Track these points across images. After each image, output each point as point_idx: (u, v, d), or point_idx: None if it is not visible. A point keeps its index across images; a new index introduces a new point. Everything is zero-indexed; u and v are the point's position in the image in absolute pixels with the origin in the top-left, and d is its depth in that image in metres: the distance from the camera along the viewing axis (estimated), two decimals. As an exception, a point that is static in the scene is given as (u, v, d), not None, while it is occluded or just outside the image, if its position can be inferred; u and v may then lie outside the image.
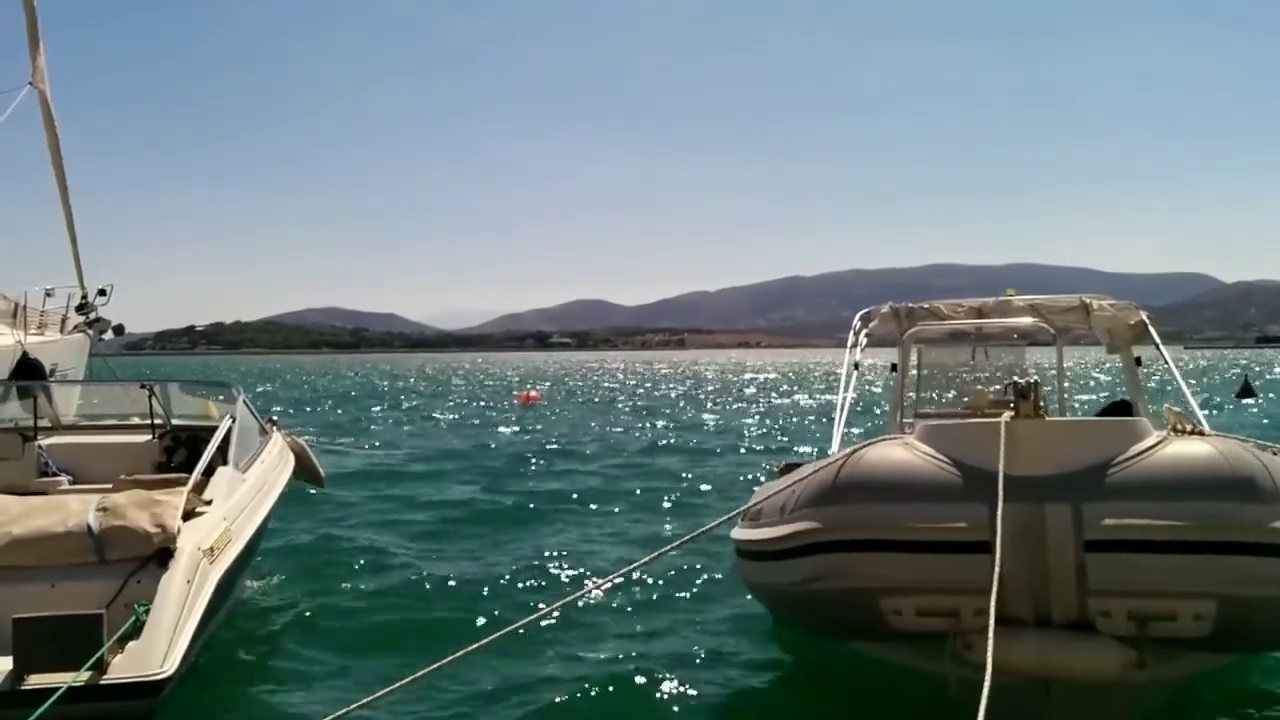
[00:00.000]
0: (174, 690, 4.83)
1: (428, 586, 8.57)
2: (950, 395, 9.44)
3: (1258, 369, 67.27)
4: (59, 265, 17.66)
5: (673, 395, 46.25)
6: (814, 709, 5.89)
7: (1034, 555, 4.33)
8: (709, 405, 37.86)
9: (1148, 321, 7.46)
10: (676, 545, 5.44)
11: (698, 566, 8.72)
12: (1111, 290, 8.67)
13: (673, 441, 22.33)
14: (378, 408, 37.22)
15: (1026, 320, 7.87)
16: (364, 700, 4.23)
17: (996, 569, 4.08)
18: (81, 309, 17.06)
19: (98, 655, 4.63)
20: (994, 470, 4.35)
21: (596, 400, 42.67)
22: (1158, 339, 7.32)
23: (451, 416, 31.98)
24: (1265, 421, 24.86)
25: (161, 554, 5.42)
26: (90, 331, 17.09)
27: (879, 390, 24.70)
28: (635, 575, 5.47)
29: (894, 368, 8.51)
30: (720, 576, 8.37)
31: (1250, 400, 35.38)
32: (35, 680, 4.54)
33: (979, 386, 8.90)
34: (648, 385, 59.68)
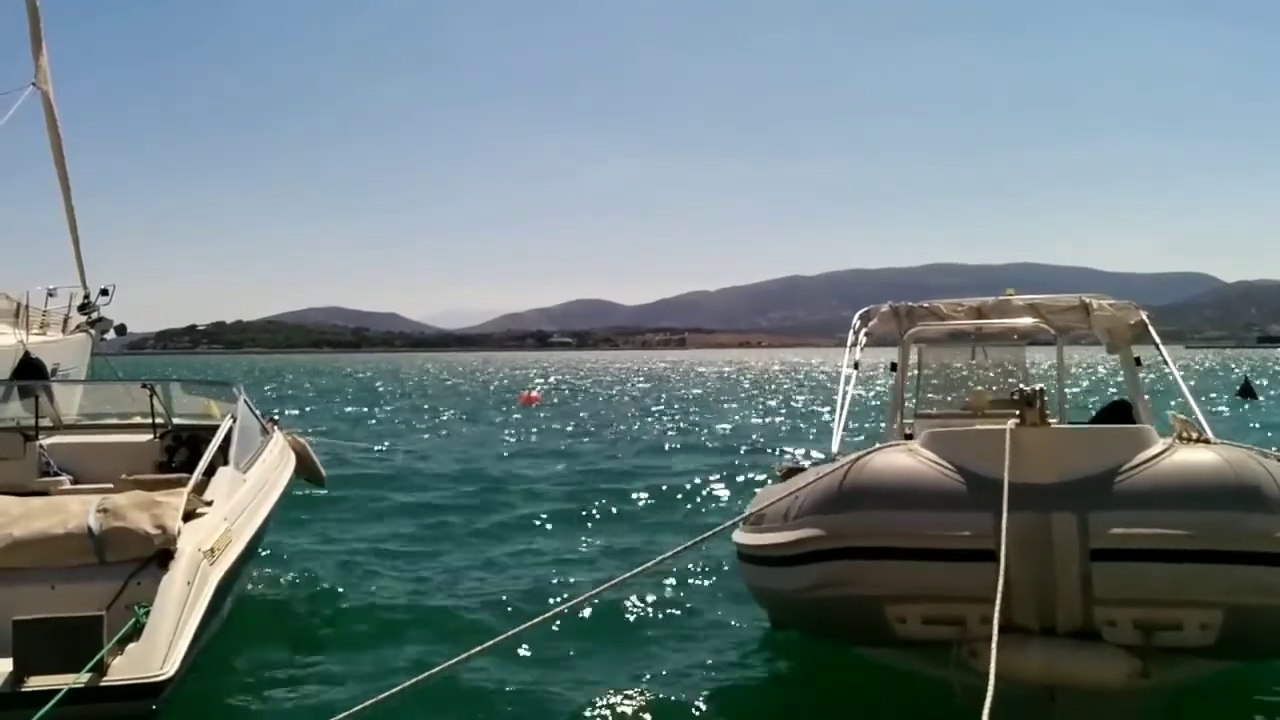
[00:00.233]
0: (174, 692, 4.83)
1: (428, 589, 8.57)
2: (950, 397, 9.44)
3: (1251, 367, 67.21)
4: (61, 265, 17.69)
5: (674, 394, 46.30)
6: (816, 714, 5.89)
7: (1039, 564, 4.33)
8: (717, 405, 37.83)
9: (1148, 321, 7.45)
10: (678, 551, 5.42)
11: (698, 569, 8.71)
12: (1112, 290, 8.67)
13: (679, 444, 22.31)
14: (379, 408, 37.23)
15: (1026, 320, 7.87)
16: (365, 704, 4.22)
17: (1002, 577, 4.07)
18: (83, 309, 17.06)
19: (98, 657, 4.62)
20: (999, 478, 4.33)
21: (598, 400, 42.65)
22: (1158, 339, 7.31)
23: (452, 417, 31.98)
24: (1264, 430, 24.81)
25: (162, 555, 5.41)
26: (92, 331, 17.10)
27: (876, 391, 24.69)
28: (632, 576, 5.45)
29: (894, 367, 8.52)
30: (721, 579, 8.37)
31: (1251, 400, 35.35)
32: (35, 682, 4.52)
33: (979, 387, 8.90)
34: (647, 384, 59.70)
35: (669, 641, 7.01)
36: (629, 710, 5.78)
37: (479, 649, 4.59)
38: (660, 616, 7.57)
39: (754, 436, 23.64)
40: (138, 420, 9.37)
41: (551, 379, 68.72)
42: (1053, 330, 8.06)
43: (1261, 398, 36.44)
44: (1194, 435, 4.87)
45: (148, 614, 5.02)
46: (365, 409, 36.04)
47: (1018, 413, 4.61)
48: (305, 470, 9.32)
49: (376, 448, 21.32)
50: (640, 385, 59.18)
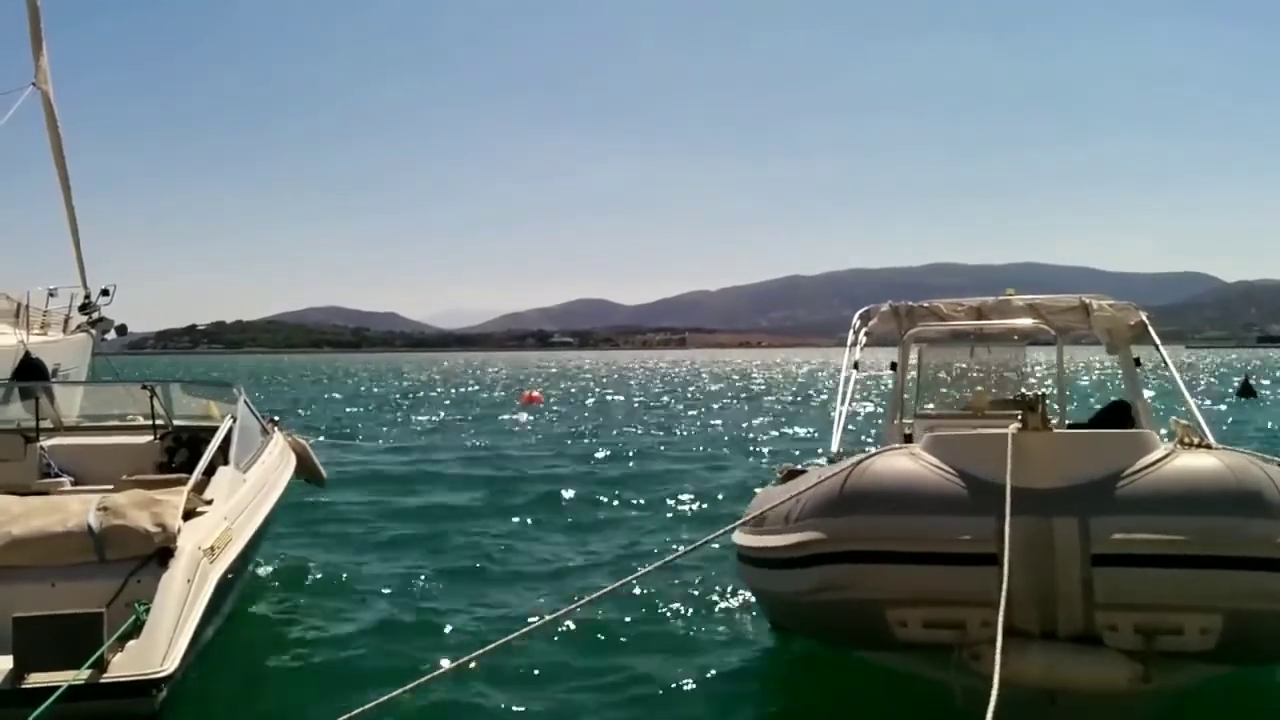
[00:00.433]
0: (174, 689, 4.83)
1: (430, 588, 8.57)
2: (951, 395, 9.45)
3: (1256, 367, 67.20)
4: (62, 265, 17.68)
5: (674, 392, 46.31)
6: (817, 717, 5.88)
7: (1041, 568, 4.33)
8: (710, 406, 37.84)
9: (1147, 322, 7.46)
10: (681, 554, 5.44)
11: (699, 570, 8.71)
12: (1113, 290, 8.68)
13: (676, 443, 22.31)
14: (380, 408, 37.22)
15: (1026, 320, 7.88)
16: (366, 705, 4.22)
17: (1004, 582, 4.07)
18: (84, 309, 17.04)
19: (98, 654, 4.63)
20: (1001, 483, 4.34)
21: (598, 400, 42.65)
22: (1157, 340, 7.31)
23: (454, 416, 31.97)
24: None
25: (162, 553, 5.43)
26: (93, 331, 17.08)
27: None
28: (636, 579, 5.48)
29: (893, 367, 8.51)
30: (722, 581, 8.36)
31: (1251, 399, 35.35)
32: (36, 679, 4.53)
33: (978, 387, 8.91)
34: (648, 383, 59.67)
35: (669, 643, 7.00)
36: (629, 712, 5.78)
37: (479, 652, 4.60)
38: (660, 618, 7.57)
39: (755, 436, 23.63)
40: (138, 421, 9.38)
41: (553, 376, 68.68)
42: (1053, 330, 8.07)
43: (1262, 400, 36.40)
44: (1195, 440, 4.88)
45: (148, 611, 5.03)
46: (367, 409, 36.04)
47: (1018, 414, 4.61)
48: (306, 471, 9.34)
49: (380, 444, 21.33)
50: (641, 385, 59.18)
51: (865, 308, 8.20)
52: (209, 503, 6.33)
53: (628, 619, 7.49)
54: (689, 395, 46.08)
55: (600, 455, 19.26)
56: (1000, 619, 3.89)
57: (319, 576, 8.93)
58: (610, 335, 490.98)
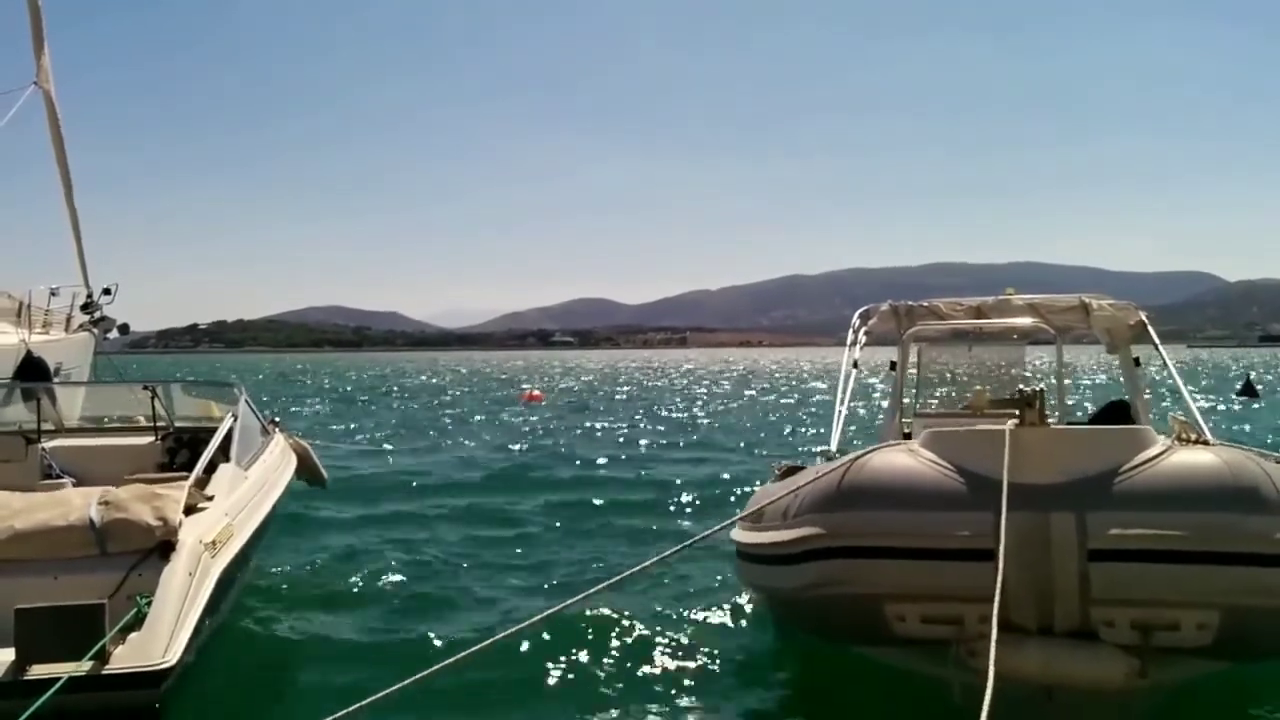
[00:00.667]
0: (176, 681, 4.85)
1: (430, 584, 8.60)
2: (951, 394, 9.46)
3: (1256, 367, 67.17)
4: (63, 264, 17.68)
5: (673, 392, 46.32)
6: (814, 712, 5.90)
7: (1038, 564, 4.34)
8: (707, 404, 37.85)
9: (1147, 322, 7.47)
10: (677, 550, 5.44)
11: (696, 567, 8.73)
12: (1116, 289, 8.70)
13: (680, 442, 22.32)
14: (381, 407, 37.24)
15: (1026, 320, 7.89)
16: (367, 700, 4.24)
17: (1000, 577, 4.08)
18: (86, 308, 17.05)
19: (99, 645, 4.63)
20: (999, 478, 4.35)
21: (598, 399, 42.67)
22: (1156, 339, 7.33)
23: (455, 416, 31.99)
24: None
25: (163, 547, 5.44)
26: (95, 330, 17.10)
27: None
28: (630, 575, 5.47)
29: (893, 366, 8.52)
30: (719, 578, 8.39)
31: (1252, 398, 35.29)
32: (37, 670, 4.53)
33: (977, 386, 8.92)
34: (648, 382, 59.69)
35: (665, 639, 7.02)
36: (625, 708, 5.80)
37: (477, 648, 4.61)
38: (657, 614, 7.59)
39: (756, 435, 23.64)
40: (140, 422, 9.40)
41: (555, 376, 68.71)
42: (1052, 330, 8.08)
43: (1263, 400, 36.36)
44: (1193, 436, 4.89)
45: (150, 604, 5.04)
46: (368, 408, 36.06)
47: (1017, 412, 4.63)
48: (307, 472, 9.35)
49: (379, 446, 21.34)
50: (641, 384, 59.18)
51: (865, 307, 8.22)
52: (210, 498, 6.35)
53: (623, 615, 7.51)
54: (689, 395, 46.08)
55: (600, 455, 19.26)
56: (995, 614, 3.90)
57: (320, 575, 8.95)
58: (611, 334, 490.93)
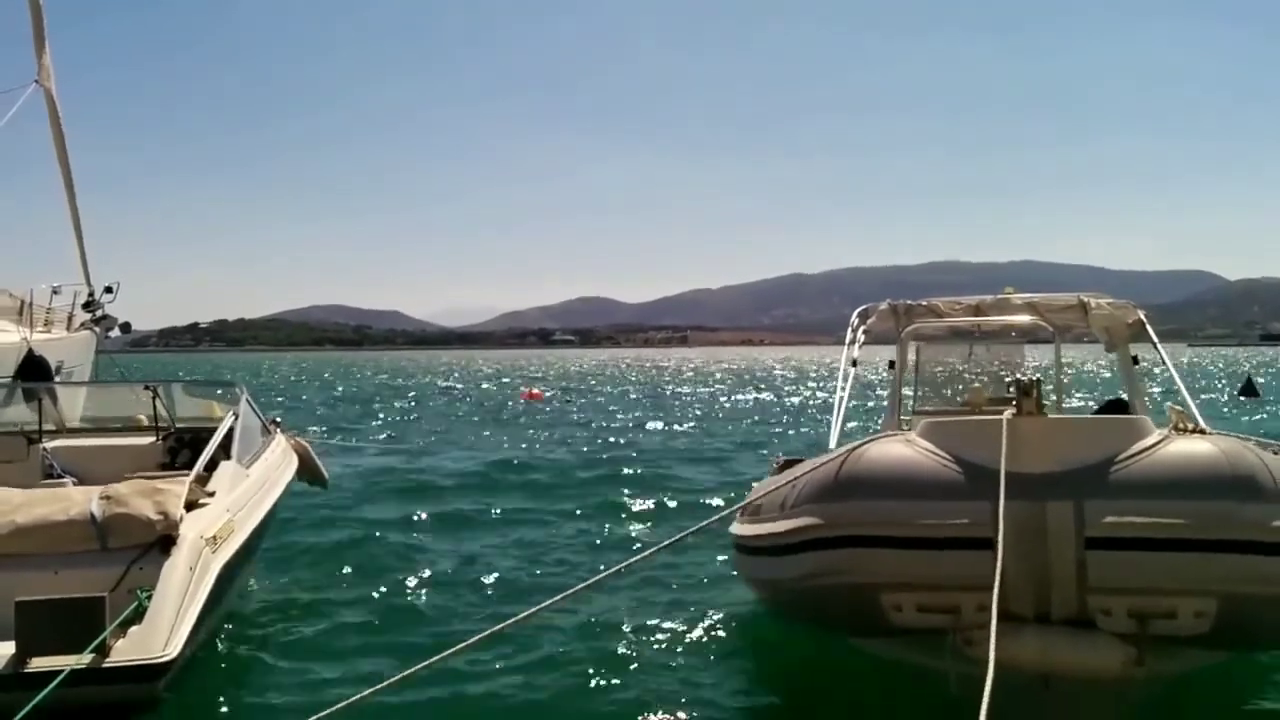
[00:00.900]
0: (176, 675, 4.86)
1: (430, 583, 8.61)
2: (949, 392, 9.47)
3: (1253, 366, 67.14)
4: (64, 263, 17.70)
5: (674, 390, 46.30)
6: (813, 704, 5.91)
7: (1035, 552, 4.34)
8: (714, 399, 37.84)
9: (1145, 321, 7.47)
10: (674, 541, 5.46)
11: (694, 561, 8.75)
12: (1116, 288, 8.71)
13: (683, 441, 22.32)
14: (381, 406, 37.25)
15: (1025, 318, 7.89)
16: (365, 693, 4.25)
17: (998, 566, 4.09)
18: (88, 306, 17.07)
19: (100, 639, 4.66)
20: (996, 467, 4.35)
21: (599, 398, 42.65)
22: (1155, 338, 7.33)
23: (455, 415, 32.01)
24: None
25: (164, 541, 5.47)
26: (97, 329, 17.12)
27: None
28: (632, 571, 5.50)
29: (892, 365, 8.53)
30: (717, 571, 8.40)
31: (1253, 398, 35.22)
32: (38, 663, 4.56)
33: (976, 384, 8.93)
34: (648, 382, 59.66)
35: (662, 631, 7.04)
36: (622, 700, 5.82)
37: (474, 639, 4.64)
38: (654, 607, 7.61)
39: (756, 433, 23.65)
40: (141, 422, 9.41)
41: (555, 375, 68.69)
42: (1051, 328, 8.09)
43: (1265, 399, 36.32)
44: (1189, 426, 4.90)
45: (150, 598, 5.06)
46: (368, 408, 36.05)
47: (1014, 403, 4.64)
48: (307, 471, 9.37)
49: (380, 446, 21.34)
50: (641, 384, 59.17)
51: (864, 306, 8.23)
52: (211, 494, 6.38)
53: (620, 608, 7.54)
54: (689, 394, 46.07)
55: (600, 454, 19.28)
56: (994, 602, 3.91)
57: (321, 572, 8.97)
58: (612, 333, 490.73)
